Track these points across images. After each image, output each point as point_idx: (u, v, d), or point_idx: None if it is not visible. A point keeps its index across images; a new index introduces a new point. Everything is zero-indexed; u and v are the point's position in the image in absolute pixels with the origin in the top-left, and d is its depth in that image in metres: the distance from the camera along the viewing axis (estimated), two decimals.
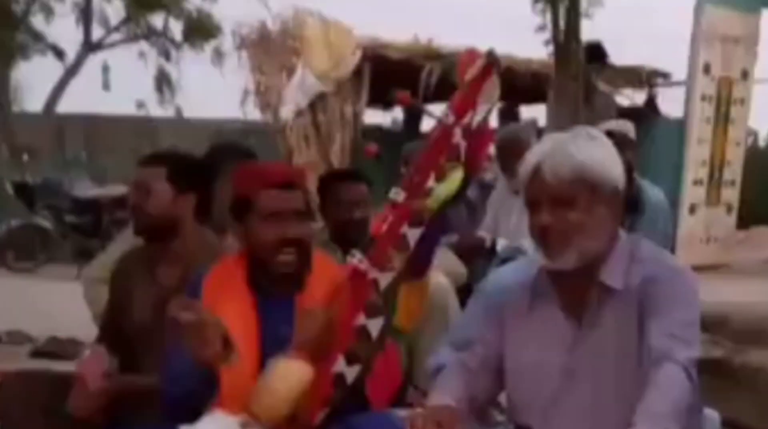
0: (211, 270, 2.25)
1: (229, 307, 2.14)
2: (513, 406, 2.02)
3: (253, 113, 8.92)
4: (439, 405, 1.95)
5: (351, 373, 2.12)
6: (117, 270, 2.70)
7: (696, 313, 1.89)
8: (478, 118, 2.15)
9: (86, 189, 10.91)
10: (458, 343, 2.14)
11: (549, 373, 1.93)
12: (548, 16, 6.93)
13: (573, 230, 1.86)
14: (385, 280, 2.15)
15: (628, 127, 4.34)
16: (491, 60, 2.16)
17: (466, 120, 2.14)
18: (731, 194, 7.50)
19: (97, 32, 17.94)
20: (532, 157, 1.91)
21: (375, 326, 2.14)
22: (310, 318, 2.08)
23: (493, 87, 2.16)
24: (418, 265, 2.20)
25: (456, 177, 2.14)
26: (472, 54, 2.17)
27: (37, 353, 5.15)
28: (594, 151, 1.89)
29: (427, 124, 10.09)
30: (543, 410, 1.94)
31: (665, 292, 1.86)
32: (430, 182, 2.15)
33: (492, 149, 3.82)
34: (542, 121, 8.18)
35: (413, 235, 2.15)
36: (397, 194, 2.17)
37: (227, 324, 2.03)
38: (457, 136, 2.15)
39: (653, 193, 4.04)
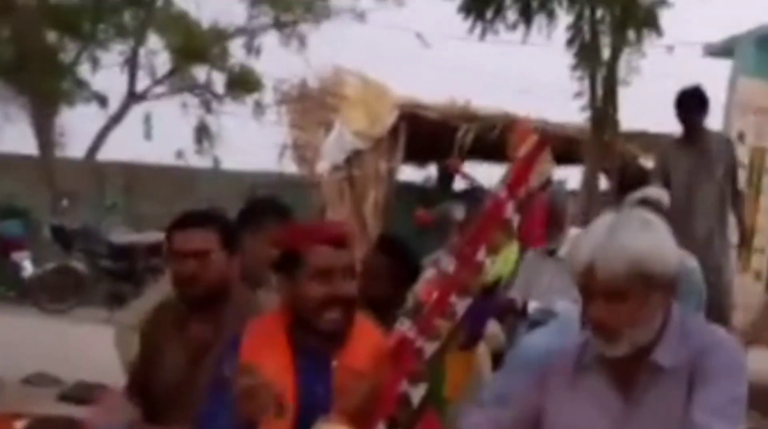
0: (250, 327, 2.24)
1: (267, 363, 2.11)
2: None
3: (290, 167, 9.05)
4: None
5: None
6: (150, 321, 2.68)
7: (742, 388, 1.85)
8: (530, 192, 2.18)
9: (122, 235, 11.05)
10: (492, 401, 2.13)
11: None
12: (585, 83, 6.97)
13: (626, 323, 1.83)
14: (430, 348, 2.16)
15: (663, 195, 4.34)
16: (545, 136, 2.22)
17: (518, 194, 2.18)
18: (760, 261, 7.46)
19: (142, 83, 18.37)
20: (584, 249, 1.85)
21: (417, 394, 2.14)
22: (354, 382, 2.08)
23: (546, 162, 2.21)
24: (469, 337, 2.21)
25: (512, 254, 2.16)
26: (526, 128, 2.23)
27: (64, 397, 5.16)
28: (648, 242, 1.84)
29: (459, 184, 10.14)
30: None
31: (711, 366, 1.83)
32: (481, 255, 2.16)
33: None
34: (573, 184, 8.21)
35: (461, 305, 2.16)
36: (447, 263, 2.19)
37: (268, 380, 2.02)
38: (509, 211, 2.17)
39: (688, 262, 4.03)
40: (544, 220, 4.09)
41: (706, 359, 1.83)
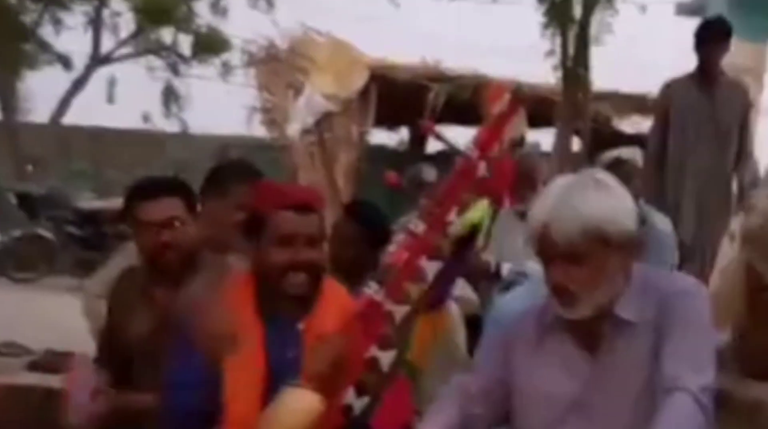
0: (215, 290, 2.21)
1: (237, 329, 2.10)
2: None
3: (259, 130, 8.95)
4: None
5: (359, 404, 2.09)
6: (115, 288, 2.64)
7: (710, 336, 1.83)
8: (502, 151, 2.16)
9: (90, 201, 10.92)
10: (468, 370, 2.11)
11: (559, 406, 1.88)
12: (557, 42, 6.92)
13: (584, 287, 1.81)
14: (399, 313, 2.13)
15: (636, 155, 4.32)
16: (519, 95, 2.17)
17: (491, 154, 2.14)
18: (735, 222, 7.47)
19: (106, 45, 18.05)
20: (539, 213, 1.83)
21: (386, 359, 2.12)
22: (323, 347, 2.05)
23: (519, 122, 2.17)
24: (435, 297, 2.18)
25: (482, 206, 2.12)
26: (499, 88, 2.20)
27: (33, 366, 5.10)
28: (603, 203, 1.81)
29: (432, 146, 10.10)
30: None
31: (677, 314, 1.81)
32: (452, 216, 2.13)
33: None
34: (545, 146, 8.19)
35: (431, 268, 2.13)
36: (417, 225, 2.15)
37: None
38: (482, 171, 2.14)
39: (659, 220, 4.02)
40: (515, 181, 4.06)
41: (672, 308, 1.81)
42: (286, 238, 2.11)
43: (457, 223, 2.13)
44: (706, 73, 4.72)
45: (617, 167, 3.75)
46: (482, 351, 2.39)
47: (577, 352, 1.89)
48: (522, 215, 4.24)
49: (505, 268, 4.08)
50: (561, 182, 1.88)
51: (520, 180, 4.07)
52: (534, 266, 3.70)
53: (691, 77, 4.79)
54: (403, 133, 11.49)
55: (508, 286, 3.71)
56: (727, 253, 3.16)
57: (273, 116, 8.36)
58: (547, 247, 1.82)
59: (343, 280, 2.38)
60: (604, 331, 1.86)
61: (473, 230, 2.15)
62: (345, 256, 2.96)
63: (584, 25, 6.81)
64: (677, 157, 4.71)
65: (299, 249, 2.11)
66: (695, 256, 4.56)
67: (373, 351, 2.11)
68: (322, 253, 2.20)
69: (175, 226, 2.45)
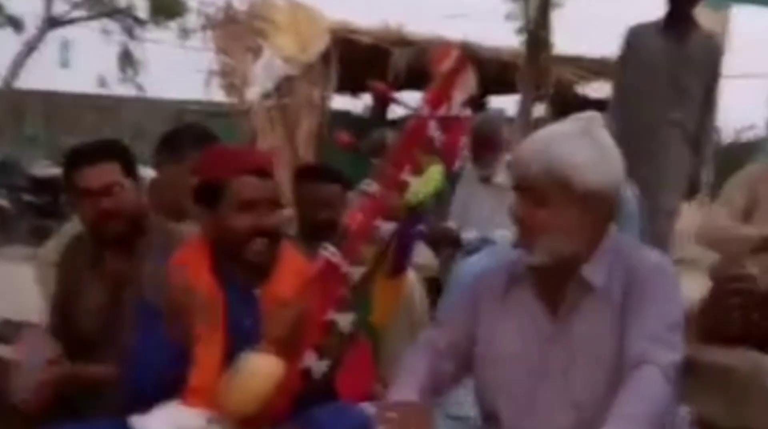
0: (172, 258, 2.16)
1: None
2: (481, 392, 1.98)
3: (217, 94, 8.80)
4: (407, 403, 1.89)
5: (319, 367, 2.09)
6: (64, 257, 2.58)
7: (679, 313, 1.84)
8: (453, 110, 2.14)
9: (44, 168, 10.71)
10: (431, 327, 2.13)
11: (520, 362, 1.89)
12: (519, 5, 6.87)
13: (539, 229, 1.82)
14: (356, 274, 2.12)
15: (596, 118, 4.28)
16: (466, 52, 2.18)
17: (440, 112, 2.14)
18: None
19: (59, 7, 17.62)
20: (524, 146, 1.87)
21: (345, 321, 2.11)
22: (281, 311, 2.03)
23: (468, 79, 2.16)
24: (396, 263, 2.17)
25: (435, 172, 2.12)
26: (446, 47, 2.18)
27: None
28: (578, 151, 1.81)
29: (394, 112, 10.03)
30: (512, 399, 1.89)
31: (646, 291, 1.81)
32: (405, 175, 2.12)
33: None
34: (510, 112, 8.16)
35: (386, 229, 2.12)
36: (370, 186, 2.14)
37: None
38: (432, 129, 2.14)
39: (624, 190, 3.98)
40: (477, 145, 4.03)
41: (641, 283, 1.82)
42: (250, 203, 2.08)
43: (410, 191, 2.12)
44: (676, 21, 4.22)
45: None
46: (451, 305, 2.41)
47: (540, 308, 1.90)
48: (485, 180, 4.24)
49: (469, 235, 4.06)
50: (558, 125, 1.91)
51: (481, 144, 4.05)
52: (501, 234, 3.71)
53: (657, 25, 4.29)
54: (366, 99, 11.40)
55: (472, 252, 3.69)
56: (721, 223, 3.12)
57: (231, 80, 8.22)
58: (518, 180, 1.85)
59: (312, 244, 2.37)
60: (568, 290, 1.86)
61: (424, 199, 2.14)
62: (322, 217, 2.95)
63: None
64: (631, 111, 4.22)
65: (262, 214, 2.08)
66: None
67: (331, 313, 2.10)
68: (282, 217, 2.18)
69: (115, 192, 2.38)
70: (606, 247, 1.87)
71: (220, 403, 1.94)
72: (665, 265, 1.89)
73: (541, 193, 1.80)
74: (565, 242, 1.82)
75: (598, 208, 1.84)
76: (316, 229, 2.96)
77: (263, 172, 2.13)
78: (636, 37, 4.29)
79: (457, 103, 2.15)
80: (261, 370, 1.94)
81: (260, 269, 2.13)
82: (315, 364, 2.08)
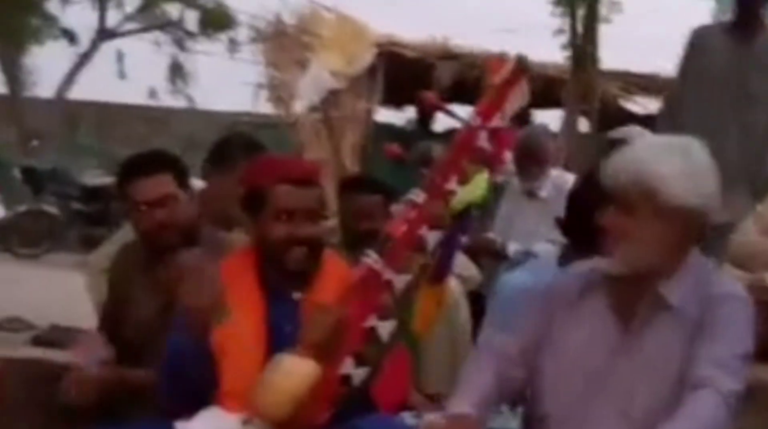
0: (220, 266, 2.19)
1: (237, 302, 2.10)
2: (536, 397, 1.98)
3: (265, 107, 8.87)
4: (457, 415, 1.88)
5: (358, 375, 2.09)
6: (116, 264, 2.62)
7: (748, 345, 1.83)
8: (504, 121, 2.16)
9: (95, 177, 10.87)
10: (492, 337, 2.12)
11: (583, 371, 1.89)
12: (566, 20, 6.85)
13: (622, 237, 1.83)
14: (400, 282, 2.12)
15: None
16: (521, 65, 2.17)
17: (492, 123, 2.14)
18: None
19: (112, 19, 17.94)
20: (616, 156, 1.88)
21: (386, 328, 2.11)
22: (320, 316, 2.04)
23: (521, 92, 2.17)
24: (438, 270, 2.17)
25: (482, 181, 2.12)
26: (501, 59, 2.20)
27: (37, 341, 5.10)
28: (671, 166, 1.82)
29: (440, 125, 10.03)
30: (565, 406, 1.90)
31: (720, 317, 1.81)
32: (452, 184, 2.13)
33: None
34: (553, 126, 8.10)
35: (432, 238, 2.12)
36: (417, 195, 2.14)
37: (236, 319, 2.03)
38: (482, 140, 2.14)
39: None
40: (522, 159, 4.03)
41: (716, 310, 1.82)
42: (286, 213, 2.10)
43: (455, 199, 2.12)
44: (743, 22, 3.86)
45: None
46: (490, 325, 2.43)
47: (612, 319, 1.89)
48: (530, 194, 4.23)
49: (511, 248, 4.06)
50: (662, 138, 1.99)
51: (527, 158, 4.04)
52: (543, 247, 3.70)
53: (723, 26, 3.97)
54: (410, 112, 11.40)
55: (515, 266, 3.69)
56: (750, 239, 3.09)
57: (279, 93, 8.27)
58: (609, 188, 1.87)
59: (354, 254, 2.37)
60: (643, 306, 1.86)
61: (468, 207, 2.15)
62: (363, 228, 2.97)
63: (593, 4, 6.73)
64: (694, 120, 3.85)
65: (299, 223, 2.10)
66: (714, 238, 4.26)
67: (372, 321, 2.10)
68: (323, 227, 2.19)
69: (169, 203, 2.41)
70: (688, 267, 1.86)
71: (254, 404, 1.95)
72: (741, 294, 1.89)
73: (629, 202, 1.82)
74: (644, 254, 1.83)
75: (684, 225, 1.83)
76: (357, 239, 2.98)
77: (303, 181, 2.13)
78: (701, 39, 3.94)
79: (508, 115, 2.16)
80: (295, 371, 1.95)
81: (302, 277, 2.14)
82: (354, 371, 2.08)
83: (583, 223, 2.08)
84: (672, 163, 1.82)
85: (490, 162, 2.15)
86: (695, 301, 1.83)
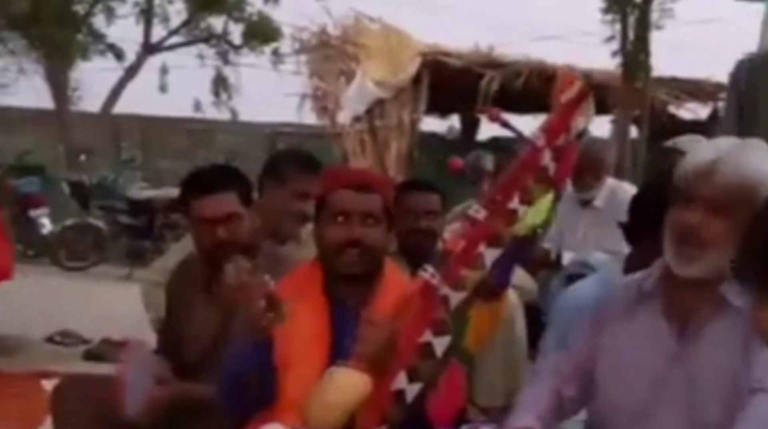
0: (284, 279, 2.18)
1: (302, 314, 2.08)
2: (597, 411, 1.93)
3: (310, 118, 8.89)
4: (522, 428, 1.85)
5: (412, 390, 2.05)
6: (175, 278, 2.62)
7: None
8: (569, 139, 2.12)
9: (141, 190, 10.96)
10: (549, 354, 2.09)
11: (642, 380, 1.84)
12: (617, 27, 6.74)
13: (711, 240, 1.75)
14: (456, 298, 2.09)
15: (699, 142, 4.16)
16: (588, 84, 2.14)
17: (558, 142, 2.10)
18: None
19: (156, 33, 18.17)
20: (708, 151, 1.79)
21: (441, 344, 2.07)
22: (374, 329, 2.01)
23: (588, 109, 2.14)
24: (495, 288, 2.13)
25: (546, 203, 2.08)
26: (569, 76, 2.15)
27: (89, 356, 5.13)
28: (765, 161, 1.77)
29: (483, 133, 9.96)
30: (629, 416, 1.84)
31: None
32: (515, 203, 2.09)
33: None
34: (597, 133, 7.99)
35: (490, 255, 2.09)
36: (477, 212, 2.10)
37: (300, 331, 2.03)
38: (546, 158, 2.10)
39: None
40: (580, 168, 3.96)
41: None
42: (341, 215, 2.11)
43: (521, 224, 2.08)
44: None
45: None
46: (551, 338, 2.36)
47: (667, 325, 1.83)
48: (584, 203, 4.15)
49: (566, 258, 3.98)
50: (730, 139, 1.86)
51: (585, 168, 3.96)
52: (598, 257, 3.62)
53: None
54: (454, 121, 11.34)
55: (571, 277, 3.61)
56: None
57: (324, 104, 8.29)
58: (699, 189, 1.76)
59: (411, 260, 2.41)
60: (702, 308, 1.80)
61: (535, 231, 2.11)
62: (424, 226, 2.99)
63: (645, 10, 6.61)
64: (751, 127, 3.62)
65: (353, 226, 2.10)
66: None
67: (428, 336, 2.07)
68: (380, 234, 2.16)
69: (233, 221, 2.40)
70: None
71: (304, 416, 1.94)
72: None
73: (724, 206, 1.74)
74: (725, 258, 1.76)
75: None
76: (417, 239, 2.96)
77: (361, 185, 2.15)
78: (744, 72, 3.66)
79: (574, 133, 2.12)
80: (345, 384, 1.94)
81: (360, 285, 2.13)
82: (407, 386, 2.05)
83: (650, 231, 2.00)
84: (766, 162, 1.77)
85: (554, 182, 2.11)
86: None
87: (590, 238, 3.95)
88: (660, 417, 1.81)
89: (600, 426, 1.91)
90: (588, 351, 1.94)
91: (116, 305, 5.15)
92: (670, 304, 1.85)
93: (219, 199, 2.41)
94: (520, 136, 2.22)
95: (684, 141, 4.23)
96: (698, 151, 1.83)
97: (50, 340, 5.48)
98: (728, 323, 1.78)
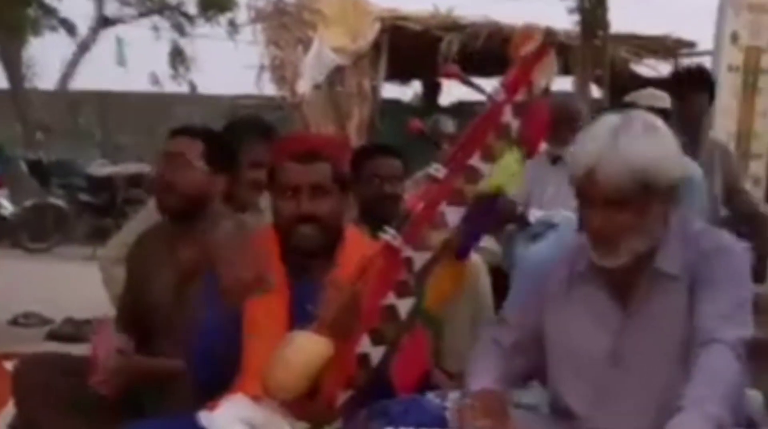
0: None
1: None
2: (554, 387, 1.95)
3: (269, 88, 8.78)
4: (483, 390, 1.87)
5: (376, 353, 2.04)
6: (134, 250, 2.61)
7: (747, 292, 1.81)
8: (532, 96, 2.08)
9: (100, 167, 10.83)
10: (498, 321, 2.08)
11: (593, 359, 1.86)
12: None
13: (623, 232, 1.78)
14: (420, 259, 2.06)
15: (664, 98, 4.17)
16: (549, 38, 2.12)
17: (518, 98, 2.07)
18: (759, 167, 7.31)
19: (109, 7, 17.81)
20: (585, 157, 1.80)
21: (404, 307, 2.05)
22: (336, 293, 2.00)
23: (549, 65, 2.10)
24: (461, 248, 2.11)
25: (514, 162, 2.06)
26: (528, 31, 2.11)
27: (53, 335, 5.09)
28: (652, 149, 1.77)
29: (445, 99, 9.92)
30: (588, 396, 1.86)
31: (715, 271, 1.79)
32: (476, 160, 2.06)
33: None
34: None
35: (452, 213, 2.06)
36: (438, 170, 2.07)
37: (260, 300, 2.00)
38: (507, 115, 2.07)
39: (690, 169, 3.86)
40: (555, 123, 3.93)
41: (710, 264, 1.80)
42: (289, 189, 2.08)
43: (486, 181, 2.06)
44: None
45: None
46: (514, 302, 2.40)
47: (608, 303, 1.86)
48: (555, 160, 4.13)
49: (533, 216, 3.96)
50: (606, 124, 1.82)
51: (561, 119, 3.93)
52: (564, 214, 3.61)
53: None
54: (416, 86, 11.28)
55: (534, 236, 3.61)
56: None
57: (282, 73, 8.18)
58: (591, 192, 1.78)
59: (373, 226, 2.38)
60: (640, 282, 1.83)
61: (501, 189, 2.09)
62: (387, 192, 2.98)
63: None
64: None
65: (302, 200, 2.07)
66: None
67: (391, 298, 2.04)
68: (332, 204, 2.12)
69: (180, 162, 2.43)
70: (674, 231, 1.83)
71: (265, 381, 1.91)
72: (732, 245, 1.86)
73: (623, 200, 1.76)
74: (645, 239, 1.80)
75: (672, 198, 1.81)
76: (381, 204, 2.94)
77: (308, 156, 2.10)
78: None
79: (536, 89, 2.08)
80: (306, 347, 1.92)
81: (317, 254, 2.11)
82: (372, 350, 2.04)
83: None
84: (656, 147, 1.78)
85: (522, 139, 2.08)
86: (688, 261, 1.81)
87: (561, 195, 3.95)
88: (615, 389, 1.83)
89: (564, 411, 1.92)
90: (530, 326, 1.97)
91: (80, 285, 5.10)
92: (607, 281, 1.87)
93: (178, 140, 2.48)
94: (479, 91, 2.18)
95: (644, 95, 4.24)
96: (578, 153, 1.82)
97: (14, 322, 5.43)
98: (667, 292, 1.81)
